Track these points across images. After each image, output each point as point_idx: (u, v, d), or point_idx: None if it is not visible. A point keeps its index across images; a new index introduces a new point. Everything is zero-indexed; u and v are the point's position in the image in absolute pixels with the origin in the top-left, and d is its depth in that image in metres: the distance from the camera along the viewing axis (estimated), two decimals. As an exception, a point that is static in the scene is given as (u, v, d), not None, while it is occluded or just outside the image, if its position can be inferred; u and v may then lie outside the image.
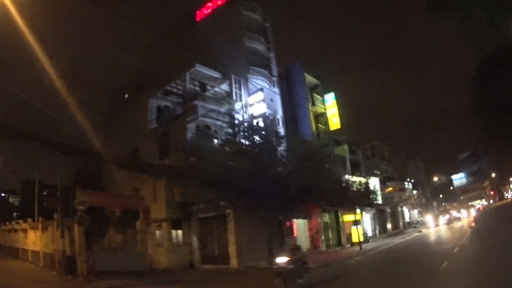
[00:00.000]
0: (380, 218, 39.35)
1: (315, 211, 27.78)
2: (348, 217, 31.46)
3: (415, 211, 59.09)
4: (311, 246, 27.47)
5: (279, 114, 28.14)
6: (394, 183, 43.63)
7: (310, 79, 36.01)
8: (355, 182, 31.68)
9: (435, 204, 55.63)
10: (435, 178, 55.48)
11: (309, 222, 27.93)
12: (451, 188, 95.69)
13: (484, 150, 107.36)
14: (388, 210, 38.50)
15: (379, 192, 37.52)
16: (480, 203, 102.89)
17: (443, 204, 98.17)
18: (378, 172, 50.21)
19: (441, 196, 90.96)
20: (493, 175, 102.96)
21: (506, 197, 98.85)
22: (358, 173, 38.03)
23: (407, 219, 51.37)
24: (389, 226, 40.68)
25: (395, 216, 44.77)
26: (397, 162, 57.31)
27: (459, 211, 62.20)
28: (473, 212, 50.48)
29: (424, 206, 50.13)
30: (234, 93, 26.59)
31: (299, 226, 28.23)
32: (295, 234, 27.84)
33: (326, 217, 29.67)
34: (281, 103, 29.24)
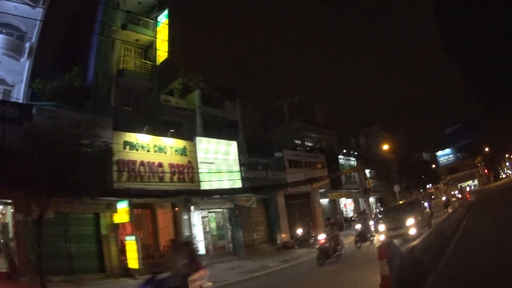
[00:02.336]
0: (254, 216, 21.23)
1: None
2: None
3: (371, 200, 41.14)
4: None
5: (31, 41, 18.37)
6: (291, 153, 24.64)
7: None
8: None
9: (396, 189, 36.52)
10: (385, 147, 34.76)
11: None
12: (433, 166, 77.59)
13: (474, 120, 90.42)
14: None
15: (236, 169, 19.48)
16: (472, 184, 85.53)
17: (426, 186, 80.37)
18: (299, 142, 32.49)
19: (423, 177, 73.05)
20: (486, 149, 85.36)
21: (501, 176, 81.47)
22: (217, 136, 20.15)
23: (348, 214, 33.09)
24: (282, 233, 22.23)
25: (305, 213, 25.96)
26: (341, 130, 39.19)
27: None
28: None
29: (368, 194, 31.39)
30: None
31: None
32: None
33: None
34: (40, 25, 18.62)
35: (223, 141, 19.97)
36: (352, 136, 32.03)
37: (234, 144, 20.29)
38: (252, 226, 20.58)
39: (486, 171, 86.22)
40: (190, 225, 17.54)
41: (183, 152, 18.09)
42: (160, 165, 16.91)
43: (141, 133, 16.80)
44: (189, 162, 18.16)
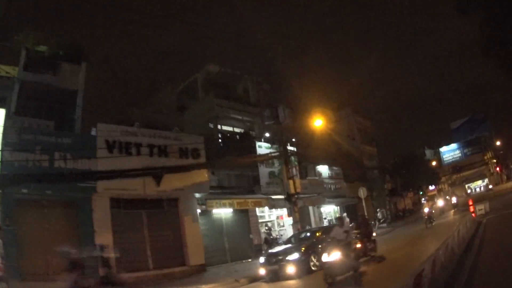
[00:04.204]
0: (52, 229, 12.04)
1: None
2: None
3: (329, 209, 31.06)
4: None
5: None
6: (118, 129, 14.06)
7: None
8: None
9: (362, 194, 25.91)
10: (318, 122, 22.16)
11: None
12: (434, 163, 67.02)
13: (484, 113, 79.64)
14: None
15: None
16: (481, 185, 74.41)
17: (423, 187, 69.47)
18: (220, 128, 23.31)
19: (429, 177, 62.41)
20: (498, 143, 74.43)
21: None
22: None
23: (273, 234, 21.52)
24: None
25: (167, 230, 15.91)
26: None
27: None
28: None
29: (294, 202, 20.32)
30: None
31: None
32: None
33: None
34: None
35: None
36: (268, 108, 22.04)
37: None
38: (46, 243, 11.71)
39: (497, 169, 74.83)
40: None
41: None
42: None
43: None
44: None
